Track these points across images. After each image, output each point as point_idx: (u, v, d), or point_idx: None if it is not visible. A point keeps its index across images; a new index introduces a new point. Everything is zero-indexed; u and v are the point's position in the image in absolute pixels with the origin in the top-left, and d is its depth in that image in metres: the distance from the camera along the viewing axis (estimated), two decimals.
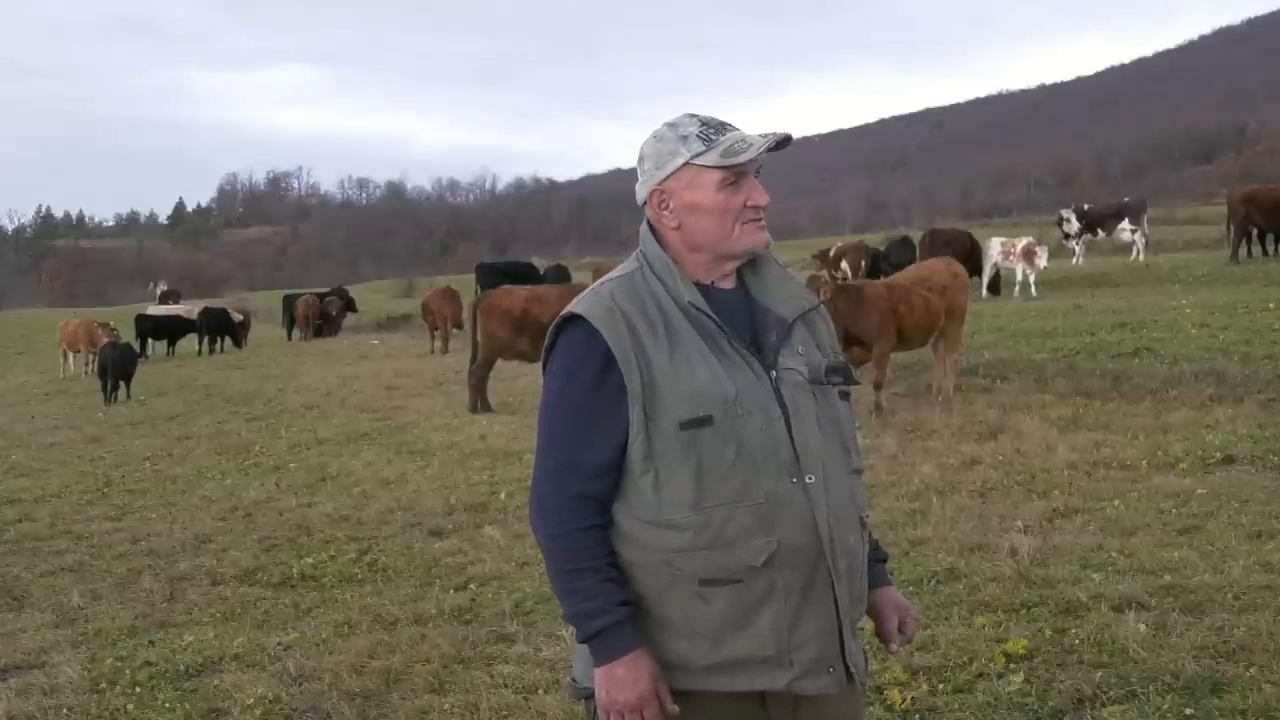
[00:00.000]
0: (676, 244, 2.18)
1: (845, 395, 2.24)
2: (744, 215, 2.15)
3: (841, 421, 2.19)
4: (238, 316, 27.96)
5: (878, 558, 2.35)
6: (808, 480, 2.08)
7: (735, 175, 2.13)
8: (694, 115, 2.19)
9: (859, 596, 2.19)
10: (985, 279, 19.74)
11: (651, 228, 2.21)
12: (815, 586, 2.08)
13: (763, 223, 2.18)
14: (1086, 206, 27.52)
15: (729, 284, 2.21)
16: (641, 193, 2.21)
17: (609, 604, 2.05)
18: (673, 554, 2.05)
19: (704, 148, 2.13)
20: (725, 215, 2.14)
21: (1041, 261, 19.00)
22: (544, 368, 2.20)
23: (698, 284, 2.16)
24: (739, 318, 2.17)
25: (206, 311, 27.85)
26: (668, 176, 2.16)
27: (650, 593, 2.08)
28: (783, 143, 2.15)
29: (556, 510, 2.10)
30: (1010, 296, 19.09)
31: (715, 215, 2.14)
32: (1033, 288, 19.04)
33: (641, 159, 2.20)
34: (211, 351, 26.43)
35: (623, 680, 2.04)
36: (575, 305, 2.15)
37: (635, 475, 2.07)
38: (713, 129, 2.15)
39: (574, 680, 2.23)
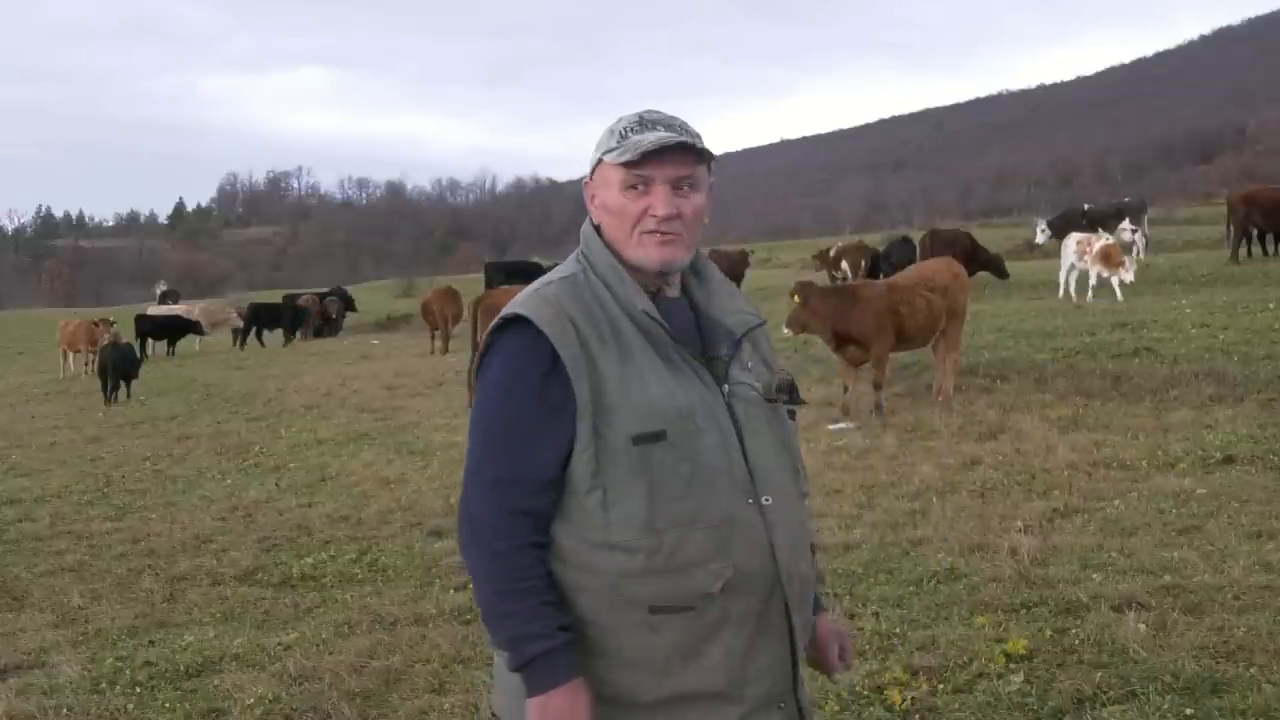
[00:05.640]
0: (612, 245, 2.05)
1: (792, 415, 2.11)
2: (643, 224, 1.97)
3: (791, 442, 2.07)
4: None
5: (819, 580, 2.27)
6: (764, 502, 1.94)
7: (642, 179, 1.96)
8: (645, 112, 2.03)
9: (808, 625, 2.07)
10: (1063, 281, 17.69)
11: (596, 227, 2.06)
12: (770, 616, 1.95)
13: (666, 238, 1.97)
14: (1087, 206, 27.50)
15: (673, 292, 2.06)
16: None
17: (548, 628, 1.87)
18: (621, 578, 1.89)
19: (616, 144, 1.98)
20: (623, 219, 1.98)
21: (1128, 275, 16.52)
22: (478, 371, 2.02)
23: (644, 289, 2.01)
24: (686, 328, 2.03)
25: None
26: (591, 172, 2.04)
27: (593, 620, 1.91)
28: (682, 148, 1.96)
29: (496, 526, 1.91)
30: (1079, 300, 16.74)
31: (616, 217, 2.00)
32: (1117, 291, 16.48)
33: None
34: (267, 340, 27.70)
35: (559, 711, 1.86)
36: (519, 306, 1.97)
37: (581, 493, 1.90)
38: (638, 126, 1.98)
39: (493, 714, 2.08)
